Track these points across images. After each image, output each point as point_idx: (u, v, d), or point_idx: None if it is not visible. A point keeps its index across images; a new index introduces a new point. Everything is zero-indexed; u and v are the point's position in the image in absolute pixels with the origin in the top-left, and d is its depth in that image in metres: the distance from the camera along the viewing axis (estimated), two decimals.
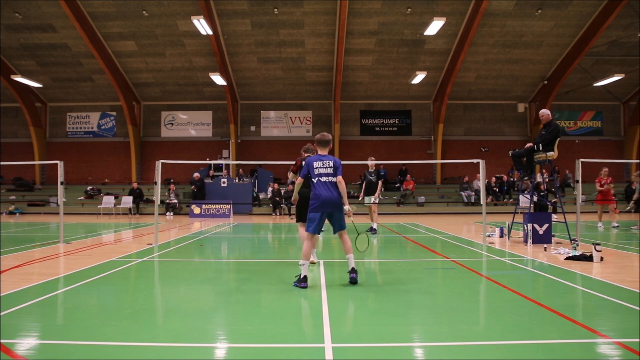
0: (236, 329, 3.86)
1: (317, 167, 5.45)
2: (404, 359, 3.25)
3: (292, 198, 6.71)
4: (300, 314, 4.43)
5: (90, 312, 4.34)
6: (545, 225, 9.09)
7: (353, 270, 5.39)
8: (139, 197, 21.03)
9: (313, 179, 5.43)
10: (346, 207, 5.48)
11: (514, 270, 6.62)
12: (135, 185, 21.64)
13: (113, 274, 6.21)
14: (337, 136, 24.80)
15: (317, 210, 5.37)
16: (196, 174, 21.62)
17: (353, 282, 5.37)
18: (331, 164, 5.49)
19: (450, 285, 5.67)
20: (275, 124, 26.19)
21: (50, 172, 25.91)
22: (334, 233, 5.62)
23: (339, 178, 5.47)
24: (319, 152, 5.64)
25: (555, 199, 11.87)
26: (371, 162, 11.33)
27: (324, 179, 5.40)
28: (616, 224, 13.28)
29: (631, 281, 5.50)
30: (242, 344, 3.47)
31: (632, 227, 12.86)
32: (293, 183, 12.43)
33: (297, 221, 7.05)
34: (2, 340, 3.39)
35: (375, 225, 11.62)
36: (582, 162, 9.11)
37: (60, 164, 9.84)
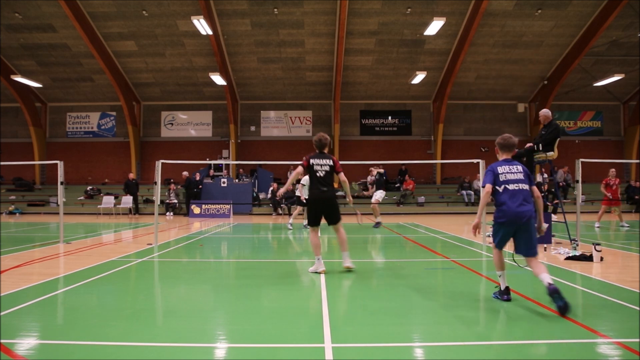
0: (236, 329, 3.86)
1: (502, 173, 4.55)
2: (404, 359, 3.25)
3: (282, 190, 6.48)
4: (300, 314, 4.43)
5: (90, 312, 4.33)
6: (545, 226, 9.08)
7: (554, 294, 4.12)
8: (135, 187, 20.57)
9: (498, 187, 4.54)
10: (544, 225, 4.63)
11: (514, 270, 6.61)
12: (131, 175, 20.95)
13: (113, 274, 6.21)
14: (337, 136, 24.79)
15: (502, 226, 4.53)
16: (185, 173, 21.47)
17: (560, 304, 4.08)
18: (520, 168, 4.57)
19: (450, 285, 5.66)
20: (275, 124, 26.18)
21: (50, 172, 25.90)
22: (517, 253, 4.64)
23: (536, 192, 4.58)
24: (504, 157, 4.73)
25: (557, 200, 11.85)
26: (370, 178, 11.84)
27: (512, 186, 4.48)
28: (627, 225, 13.26)
29: (631, 281, 5.50)
30: (242, 344, 3.47)
31: (622, 225, 13.12)
32: (298, 181, 12.59)
33: (308, 224, 6.49)
34: (2, 340, 3.39)
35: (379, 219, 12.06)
36: (582, 162, 9.12)
37: (60, 164, 9.84)
